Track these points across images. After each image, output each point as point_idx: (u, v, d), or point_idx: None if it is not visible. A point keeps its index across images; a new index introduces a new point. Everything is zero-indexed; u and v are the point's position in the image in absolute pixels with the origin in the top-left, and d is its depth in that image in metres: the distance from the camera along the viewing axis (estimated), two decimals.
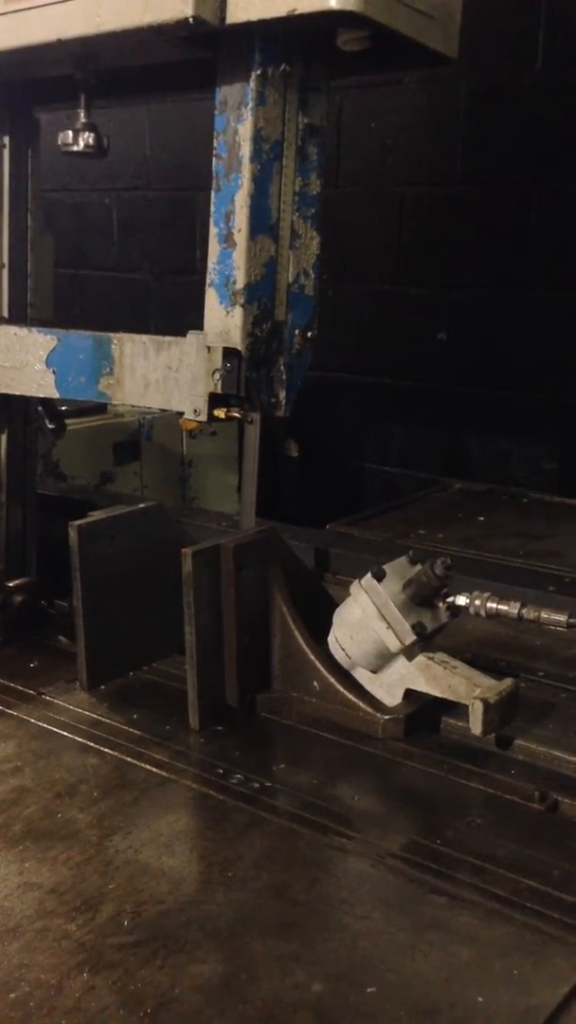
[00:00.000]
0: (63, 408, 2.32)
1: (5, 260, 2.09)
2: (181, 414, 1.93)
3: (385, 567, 1.54)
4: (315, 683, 1.58)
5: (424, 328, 3.37)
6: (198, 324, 1.78)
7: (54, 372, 1.93)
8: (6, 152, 2.05)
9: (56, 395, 1.97)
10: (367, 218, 3.28)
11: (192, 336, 1.74)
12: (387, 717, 1.52)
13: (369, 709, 1.53)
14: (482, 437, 3.41)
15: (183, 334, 1.82)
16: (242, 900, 1.16)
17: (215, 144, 1.69)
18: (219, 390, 1.71)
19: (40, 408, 2.22)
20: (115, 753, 1.48)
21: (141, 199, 3.91)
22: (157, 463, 3.17)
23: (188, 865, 1.24)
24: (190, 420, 1.81)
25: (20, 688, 1.68)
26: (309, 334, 1.79)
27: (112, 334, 1.86)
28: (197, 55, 1.71)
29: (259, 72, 1.63)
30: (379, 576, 1.53)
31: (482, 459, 3.41)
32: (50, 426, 2.36)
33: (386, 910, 1.15)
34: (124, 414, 3.07)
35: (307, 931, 1.11)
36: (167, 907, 1.15)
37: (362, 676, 1.58)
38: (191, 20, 1.53)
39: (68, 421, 2.39)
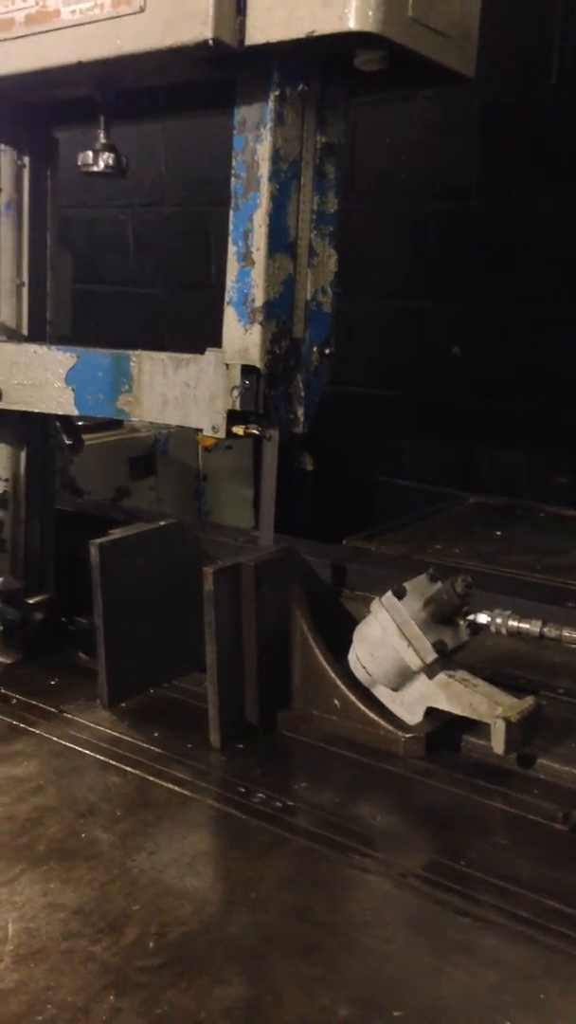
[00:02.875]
0: (80, 423, 2.34)
1: (24, 278, 2.11)
2: (199, 431, 1.95)
3: (405, 585, 1.55)
4: (335, 701, 1.58)
5: (437, 342, 3.38)
6: (213, 339, 1.79)
7: (73, 389, 1.94)
8: (26, 172, 2.07)
9: (75, 412, 1.98)
10: (380, 233, 3.29)
11: (210, 353, 1.74)
12: (408, 735, 1.52)
13: (390, 727, 1.53)
14: (495, 451, 3.41)
15: (198, 349, 1.83)
16: (266, 922, 1.16)
17: (233, 163, 1.70)
18: (238, 407, 1.72)
19: (58, 424, 2.24)
20: (137, 772, 1.48)
21: (156, 215, 3.94)
22: (173, 478, 3.18)
23: (211, 886, 1.24)
24: (208, 437, 1.82)
25: (41, 706, 1.68)
26: (327, 351, 1.80)
27: (131, 351, 1.87)
28: (215, 76, 1.72)
29: (277, 92, 1.64)
30: (399, 594, 1.53)
31: (495, 473, 3.41)
32: (68, 442, 2.38)
33: (410, 932, 1.15)
34: (140, 429, 3.08)
35: (331, 953, 1.11)
36: (191, 929, 1.15)
37: (382, 694, 1.58)
38: (211, 42, 1.54)
39: (84, 436, 2.40)
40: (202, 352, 1.78)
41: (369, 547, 2.40)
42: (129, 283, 4.07)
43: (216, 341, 1.77)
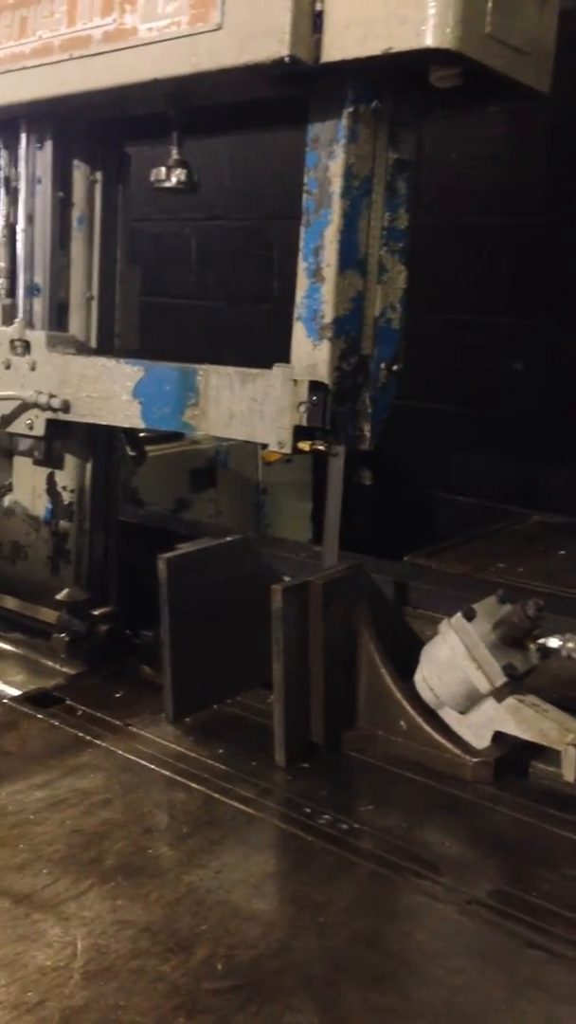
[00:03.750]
0: (142, 435, 2.35)
1: (94, 292, 2.13)
2: (263, 445, 1.94)
3: (475, 606, 1.53)
4: (402, 722, 1.56)
5: (500, 358, 3.34)
6: (273, 352, 1.79)
7: (140, 403, 1.96)
8: (98, 187, 2.09)
9: (142, 425, 1.99)
10: (444, 248, 3.27)
11: (278, 369, 1.74)
12: (476, 760, 1.50)
13: (457, 751, 1.51)
14: (557, 468, 3.36)
15: (258, 363, 1.83)
16: (335, 948, 1.15)
17: (305, 180, 1.70)
18: (304, 423, 1.71)
19: (122, 435, 2.26)
20: (202, 788, 1.48)
21: (219, 228, 3.96)
22: (232, 490, 3.19)
23: (279, 908, 1.23)
24: (274, 452, 1.82)
25: (106, 718, 1.69)
26: (395, 367, 1.79)
27: (198, 365, 1.88)
28: (287, 93, 1.72)
29: (351, 109, 1.64)
30: (469, 615, 1.51)
31: (557, 491, 3.36)
32: (131, 453, 2.40)
33: (482, 964, 1.13)
34: (201, 441, 3.09)
35: (402, 983, 1.10)
36: (260, 952, 1.14)
37: (449, 717, 1.56)
38: (287, 59, 1.55)
39: (146, 448, 2.42)
40: (267, 367, 1.79)
41: (430, 565, 2.38)
42: (191, 296, 4.09)
43: (276, 355, 1.77)
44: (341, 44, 1.55)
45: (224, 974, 1.10)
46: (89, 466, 2.18)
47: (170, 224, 4.04)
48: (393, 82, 1.66)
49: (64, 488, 2.18)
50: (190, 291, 4.09)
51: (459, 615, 1.52)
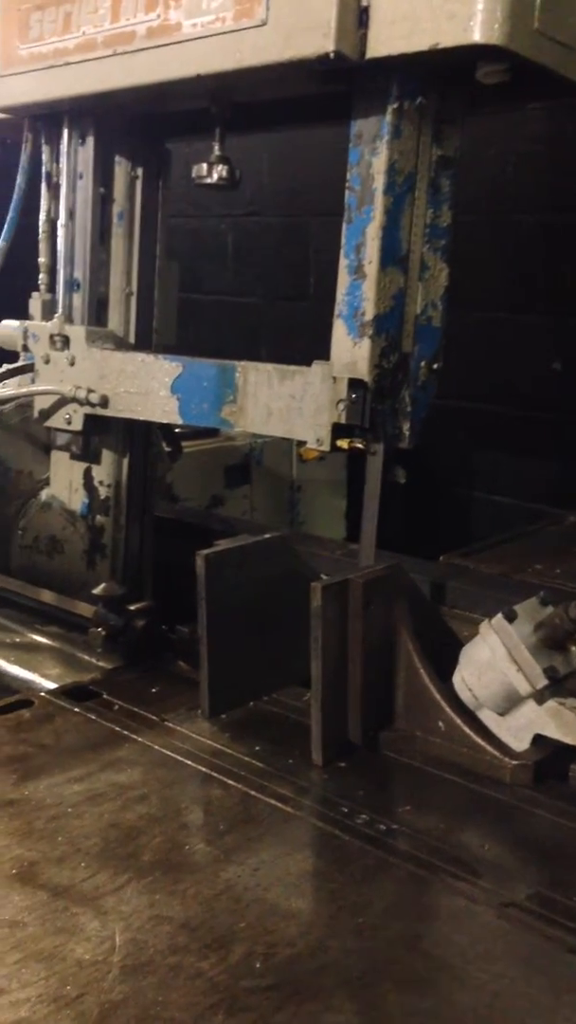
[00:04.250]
0: (177, 430, 2.36)
1: (133, 288, 2.13)
2: (300, 442, 1.94)
3: (516, 608, 1.51)
4: (440, 723, 1.55)
5: (538, 357, 3.31)
6: (309, 349, 1.78)
7: (178, 398, 1.96)
8: (138, 183, 2.09)
9: (180, 421, 1.99)
10: (482, 244, 3.25)
11: (317, 366, 1.74)
12: (516, 763, 1.48)
13: (496, 753, 1.50)
14: None
15: (294, 359, 1.82)
16: (374, 949, 1.14)
17: (348, 176, 1.69)
18: (343, 420, 1.70)
19: (158, 431, 2.26)
20: (239, 785, 1.48)
21: (256, 225, 3.96)
22: (267, 487, 3.19)
23: (317, 908, 1.23)
24: (312, 449, 1.81)
25: (143, 713, 1.69)
26: (435, 366, 1.78)
27: (236, 362, 1.88)
28: (330, 89, 1.71)
29: (395, 106, 1.62)
30: (510, 617, 1.50)
31: None
32: (167, 449, 2.40)
33: (523, 968, 1.12)
34: (236, 438, 3.09)
35: (442, 987, 1.09)
36: (298, 951, 1.14)
37: (488, 718, 1.55)
38: (332, 55, 1.54)
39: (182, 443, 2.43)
40: (302, 364, 1.78)
41: (467, 565, 2.36)
42: (227, 293, 4.10)
43: (312, 352, 1.77)
44: (387, 40, 1.53)
45: (262, 972, 1.10)
46: (126, 461, 2.19)
47: (207, 220, 4.05)
48: (438, 78, 1.64)
49: (101, 483, 2.18)
50: (226, 287, 4.09)
51: (500, 616, 1.50)
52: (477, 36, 1.45)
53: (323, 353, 1.73)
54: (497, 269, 3.30)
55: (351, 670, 1.55)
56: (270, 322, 3.98)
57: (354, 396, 1.69)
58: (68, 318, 2.11)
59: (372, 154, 1.65)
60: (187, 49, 1.71)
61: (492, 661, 1.50)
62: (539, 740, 1.50)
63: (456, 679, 1.58)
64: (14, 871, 1.26)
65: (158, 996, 1.06)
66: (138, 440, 2.20)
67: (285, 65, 1.60)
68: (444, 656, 1.64)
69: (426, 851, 1.33)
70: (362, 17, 1.55)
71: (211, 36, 1.67)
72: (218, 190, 1.95)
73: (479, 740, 1.51)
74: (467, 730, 1.52)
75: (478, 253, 3.21)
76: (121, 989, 1.07)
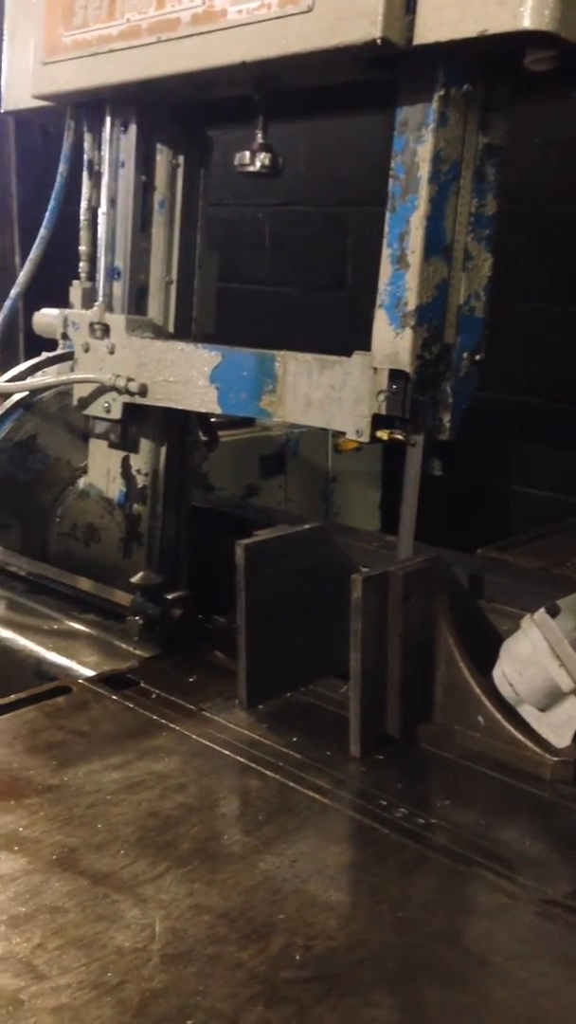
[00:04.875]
0: (213, 420, 2.35)
1: (173, 276, 2.13)
2: (338, 433, 1.92)
3: (559, 602, 1.49)
4: (479, 717, 1.54)
5: None
6: (346, 339, 1.76)
7: (217, 388, 1.95)
8: (180, 171, 2.09)
9: (218, 410, 1.99)
10: (525, 236, 3.21)
11: (358, 356, 1.72)
12: (557, 759, 1.47)
13: (537, 749, 1.48)
14: None
15: (330, 349, 1.81)
16: (413, 944, 1.14)
17: (392, 164, 1.67)
18: (383, 411, 1.69)
19: (195, 420, 2.26)
20: (276, 776, 1.47)
21: (293, 214, 3.94)
22: (301, 478, 3.18)
23: (356, 901, 1.22)
24: (351, 440, 1.80)
25: (180, 702, 1.69)
26: (477, 357, 1.76)
27: (276, 352, 1.87)
28: (374, 76, 1.70)
29: (442, 93, 1.60)
30: (553, 612, 1.48)
31: None
32: (204, 438, 2.40)
33: (565, 968, 1.11)
34: (271, 427, 3.09)
35: (483, 984, 1.08)
36: (337, 944, 1.13)
37: (528, 714, 1.53)
38: (379, 42, 1.52)
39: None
40: (338, 354, 1.77)
41: (505, 558, 2.34)
42: (263, 282, 4.09)
43: (349, 342, 1.75)
44: (435, 26, 1.52)
45: (302, 964, 1.10)
46: (164, 450, 2.19)
47: (244, 209, 4.03)
48: (485, 64, 1.62)
49: (138, 471, 2.19)
50: (263, 276, 4.08)
51: (542, 611, 1.49)
52: (527, 22, 1.43)
53: (359, 343, 1.72)
54: (538, 259, 3.26)
55: (390, 663, 1.54)
56: (306, 312, 3.97)
57: (395, 387, 1.67)
58: (108, 306, 2.11)
59: (417, 142, 1.63)
60: (232, 36, 1.70)
61: (534, 656, 1.48)
62: None
63: (496, 673, 1.56)
64: (55, 857, 1.27)
65: (198, 985, 1.06)
66: (176, 429, 2.20)
67: (331, 52, 1.59)
68: (483, 650, 1.63)
69: (465, 846, 1.32)
70: (409, 3, 1.53)
71: (256, 23, 1.66)
72: (260, 178, 1.94)
73: (519, 736, 1.50)
74: (507, 725, 1.51)
75: (517, 243, 3.18)
76: (161, 978, 1.07)
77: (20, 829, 1.33)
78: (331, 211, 3.82)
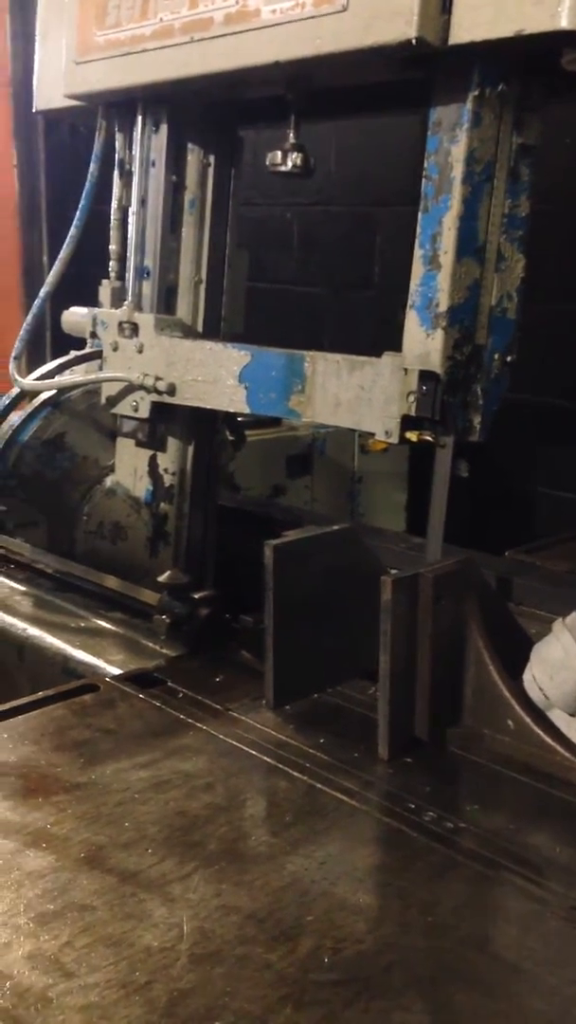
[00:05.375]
0: (240, 419, 2.35)
1: (203, 276, 2.13)
2: (366, 434, 1.91)
3: None
4: (509, 721, 1.53)
5: None
6: (374, 339, 1.75)
7: (246, 388, 1.95)
8: (211, 170, 2.09)
9: (247, 410, 1.99)
10: (554, 236, 3.19)
11: (388, 357, 1.72)
12: None
13: (567, 754, 1.47)
14: None
15: (358, 349, 1.80)
16: (444, 949, 1.13)
17: (425, 164, 1.66)
18: (414, 413, 1.68)
19: (222, 419, 2.26)
20: (304, 777, 1.47)
21: (322, 214, 3.94)
22: (328, 478, 3.18)
23: (385, 904, 1.21)
24: (380, 441, 1.79)
25: (207, 702, 1.69)
26: (509, 358, 1.75)
27: (305, 352, 1.86)
28: (408, 75, 1.69)
29: (476, 93, 1.59)
30: None
31: None
32: (231, 438, 2.40)
33: None
34: (298, 428, 3.08)
35: (513, 990, 1.07)
36: (367, 947, 1.13)
37: (559, 719, 1.52)
38: (414, 41, 1.52)
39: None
40: (366, 354, 1.76)
41: (533, 561, 2.33)
42: (291, 282, 4.09)
43: (377, 342, 1.74)
44: (470, 26, 1.51)
45: (331, 967, 1.09)
46: (191, 449, 2.19)
47: (272, 209, 4.03)
48: (520, 64, 1.61)
49: (166, 470, 2.19)
50: (291, 276, 4.08)
51: (574, 615, 1.47)
52: (565, 22, 1.42)
53: (387, 344, 1.71)
54: (568, 260, 3.24)
55: (419, 665, 1.53)
56: (334, 312, 3.96)
57: (425, 388, 1.66)
58: (137, 306, 2.12)
59: (451, 142, 1.62)
60: (265, 35, 1.69)
61: (565, 661, 1.47)
62: None
63: (526, 677, 1.55)
64: (83, 854, 1.27)
65: (227, 986, 1.06)
66: (203, 428, 2.21)
67: (365, 52, 1.58)
68: (513, 653, 1.62)
69: (494, 851, 1.31)
70: (445, 2, 1.52)
71: (290, 22, 1.66)
72: (292, 178, 1.93)
73: (549, 740, 1.49)
74: (537, 730, 1.50)
75: (548, 243, 3.15)
76: (189, 978, 1.07)
77: (48, 826, 1.34)
78: (360, 211, 3.81)
